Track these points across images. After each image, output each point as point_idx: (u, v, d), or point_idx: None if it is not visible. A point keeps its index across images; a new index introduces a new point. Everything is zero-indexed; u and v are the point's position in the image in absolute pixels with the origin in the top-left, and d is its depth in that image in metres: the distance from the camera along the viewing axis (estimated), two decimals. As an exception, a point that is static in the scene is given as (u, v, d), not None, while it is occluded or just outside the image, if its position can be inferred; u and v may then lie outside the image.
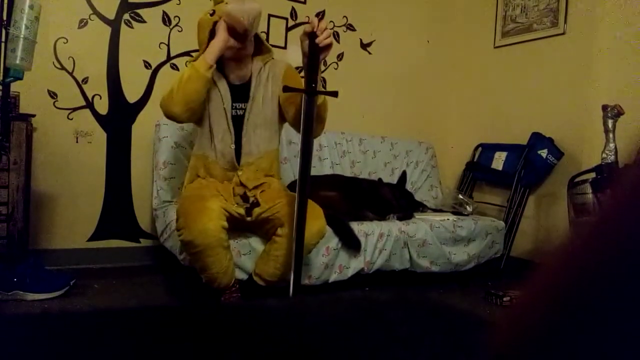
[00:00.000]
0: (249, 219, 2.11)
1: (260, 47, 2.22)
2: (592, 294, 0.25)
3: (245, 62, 2.16)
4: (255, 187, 2.18)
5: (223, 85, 2.14)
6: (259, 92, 2.17)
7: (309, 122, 1.89)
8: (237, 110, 2.17)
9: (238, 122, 2.16)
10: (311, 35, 1.83)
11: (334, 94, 1.91)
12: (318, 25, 1.82)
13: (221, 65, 2.15)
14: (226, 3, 2.02)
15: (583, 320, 0.25)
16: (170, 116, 2.03)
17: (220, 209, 1.94)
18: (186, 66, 2.24)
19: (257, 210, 2.10)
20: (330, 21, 3.43)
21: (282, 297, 1.99)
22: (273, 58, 2.27)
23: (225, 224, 1.94)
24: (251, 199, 2.15)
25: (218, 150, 2.16)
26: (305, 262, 2.31)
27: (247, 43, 2.07)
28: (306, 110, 1.88)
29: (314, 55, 1.85)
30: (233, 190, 2.15)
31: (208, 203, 1.93)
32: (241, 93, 2.17)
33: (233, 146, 2.15)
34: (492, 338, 0.31)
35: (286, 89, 2.00)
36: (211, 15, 2.05)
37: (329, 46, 1.85)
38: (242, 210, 2.10)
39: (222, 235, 1.92)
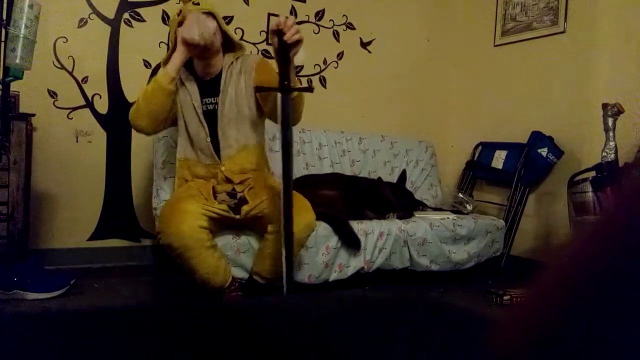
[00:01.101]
0: (237, 216, 2.08)
1: (232, 44, 2.21)
2: (599, 294, 0.25)
3: (214, 59, 2.15)
4: (241, 182, 2.16)
5: (191, 83, 2.14)
6: (230, 86, 2.15)
7: (286, 120, 1.88)
8: (208, 105, 2.16)
9: (212, 117, 2.15)
10: (279, 33, 1.81)
11: (309, 89, 1.93)
12: (285, 23, 1.80)
13: (190, 62, 2.14)
14: (193, 2, 2.03)
15: (589, 320, 0.25)
16: (138, 130, 2.10)
17: (197, 209, 1.93)
18: (154, 72, 2.31)
19: (245, 208, 2.08)
20: (330, 20, 3.43)
21: (282, 295, 1.99)
22: (245, 53, 2.26)
23: (204, 223, 1.92)
24: (239, 195, 2.12)
25: (196, 147, 2.16)
26: (304, 261, 2.31)
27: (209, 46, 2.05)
28: (282, 108, 1.87)
29: (284, 52, 1.83)
30: (214, 189, 2.11)
31: (183, 204, 1.93)
32: (211, 88, 2.16)
33: (208, 139, 2.14)
34: (495, 337, 0.31)
35: (259, 89, 2.02)
36: (178, 15, 2.06)
37: (298, 42, 1.83)
38: (225, 207, 2.07)
39: (201, 235, 1.91)
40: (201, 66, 2.15)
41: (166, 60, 2.06)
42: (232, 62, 2.18)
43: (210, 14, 2.04)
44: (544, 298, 0.29)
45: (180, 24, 2.02)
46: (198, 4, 2.03)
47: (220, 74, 2.16)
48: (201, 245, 1.91)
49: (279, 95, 1.87)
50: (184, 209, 1.91)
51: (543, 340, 0.27)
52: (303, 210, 2.04)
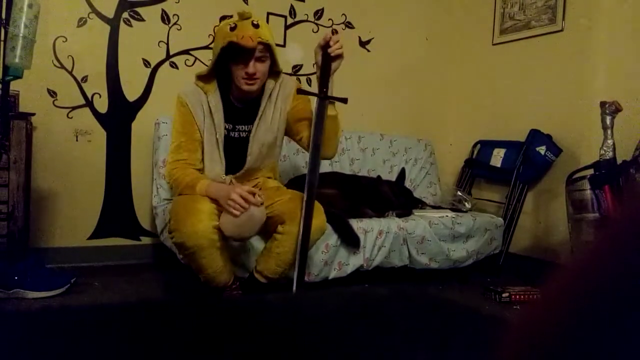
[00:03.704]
0: None
1: (273, 68, 2.17)
2: (611, 297, 0.25)
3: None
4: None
5: (218, 114, 2.12)
6: (269, 110, 2.17)
7: (319, 124, 2.05)
8: (241, 133, 2.17)
9: (240, 144, 2.16)
10: (324, 46, 2.01)
11: (344, 100, 2.07)
12: (332, 38, 2.00)
13: (227, 88, 2.14)
14: (252, 22, 1.97)
15: (601, 323, 0.25)
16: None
17: (211, 209, 1.93)
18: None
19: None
20: (329, 19, 3.43)
21: (283, 292, 2.00)
22: (283, 76, 2.25)
23: (216, 223, 1.93)
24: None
25: (208, 169, 2.15)
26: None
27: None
28: (317, 112, 2.05)
29: (326, 63, 2.03)
30: None
31: (197, 204, 1.93)
32: (247, 114, 2.16)
33: (224, 176, 2.15)
34: (506, 339, 0.31)
35: (300, 91, 2.15)
36: (232, 29, 1.97)
37: (339, 56, 2.02)
38: None
39: (214, 236, 1.91)
40: (241, 95, 2.14)
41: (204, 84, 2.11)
42: (273, 88, 2.18)
43: (267, 49, 2.02)
44: (555, 301, 0.29)
45: (229, 43, 1.95)
46: (258, 26, 1.97)
47: (258, 98, 2.16)
48: (212, 245, 1.91)
49: (316, 100, 2.05)
50: (199, 208, 1.91)
51: (553, 343, 0.27)
52: (315, 214, 2.06)
